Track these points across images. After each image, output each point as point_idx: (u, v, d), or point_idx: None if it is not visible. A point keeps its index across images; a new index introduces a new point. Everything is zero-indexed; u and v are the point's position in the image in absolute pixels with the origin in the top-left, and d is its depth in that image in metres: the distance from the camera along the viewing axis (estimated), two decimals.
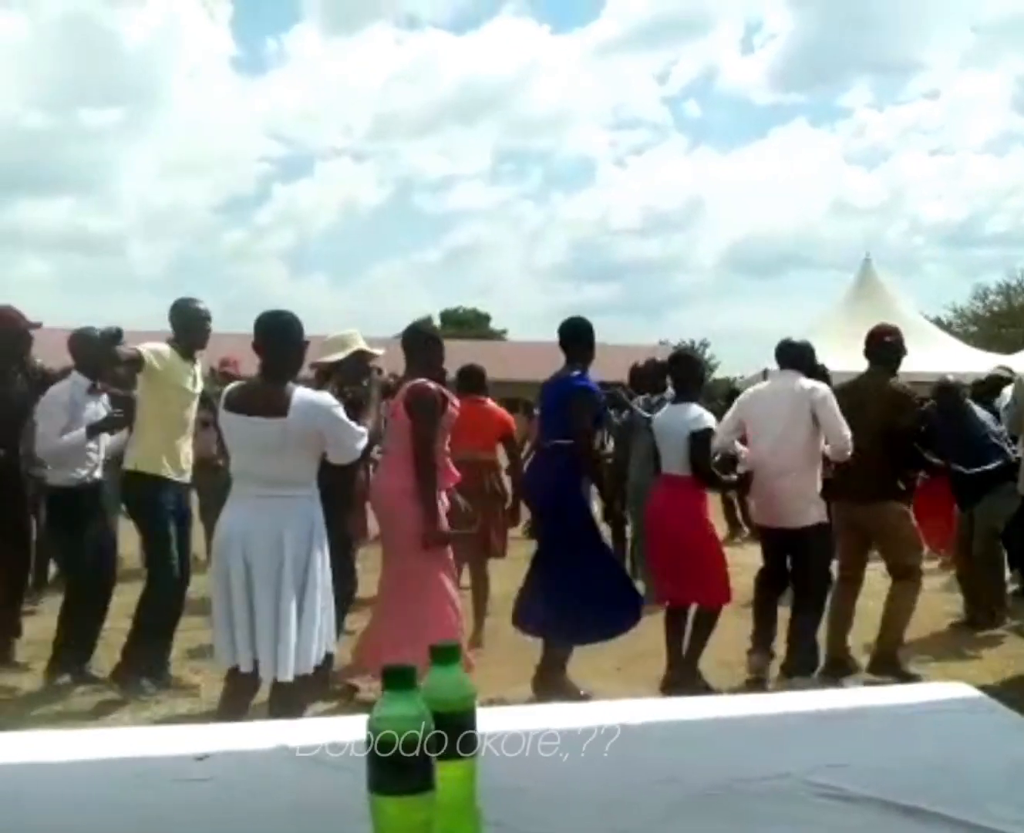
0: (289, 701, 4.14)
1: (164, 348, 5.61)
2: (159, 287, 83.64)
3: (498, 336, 57.35)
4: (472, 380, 7.27)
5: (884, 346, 6.22)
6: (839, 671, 5.91)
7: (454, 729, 1.23)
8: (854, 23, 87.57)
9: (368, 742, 1.15)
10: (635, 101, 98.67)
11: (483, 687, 5.67)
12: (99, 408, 5.85)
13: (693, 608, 5.92)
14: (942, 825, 1.28)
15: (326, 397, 4.28)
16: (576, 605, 5.46)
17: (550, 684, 5.53)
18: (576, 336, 5.75)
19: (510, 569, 8.76)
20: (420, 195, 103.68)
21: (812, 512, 5.74)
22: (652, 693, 5.67)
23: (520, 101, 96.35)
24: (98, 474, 5.96)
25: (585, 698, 5.32)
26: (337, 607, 5.16)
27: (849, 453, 5.65)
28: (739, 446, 6.16)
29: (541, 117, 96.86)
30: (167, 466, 5.61)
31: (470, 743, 1.25)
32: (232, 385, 4.47)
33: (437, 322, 61.70)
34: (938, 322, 33.20)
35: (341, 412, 4.20)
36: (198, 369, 5.87)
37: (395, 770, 1.14)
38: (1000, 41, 79.34)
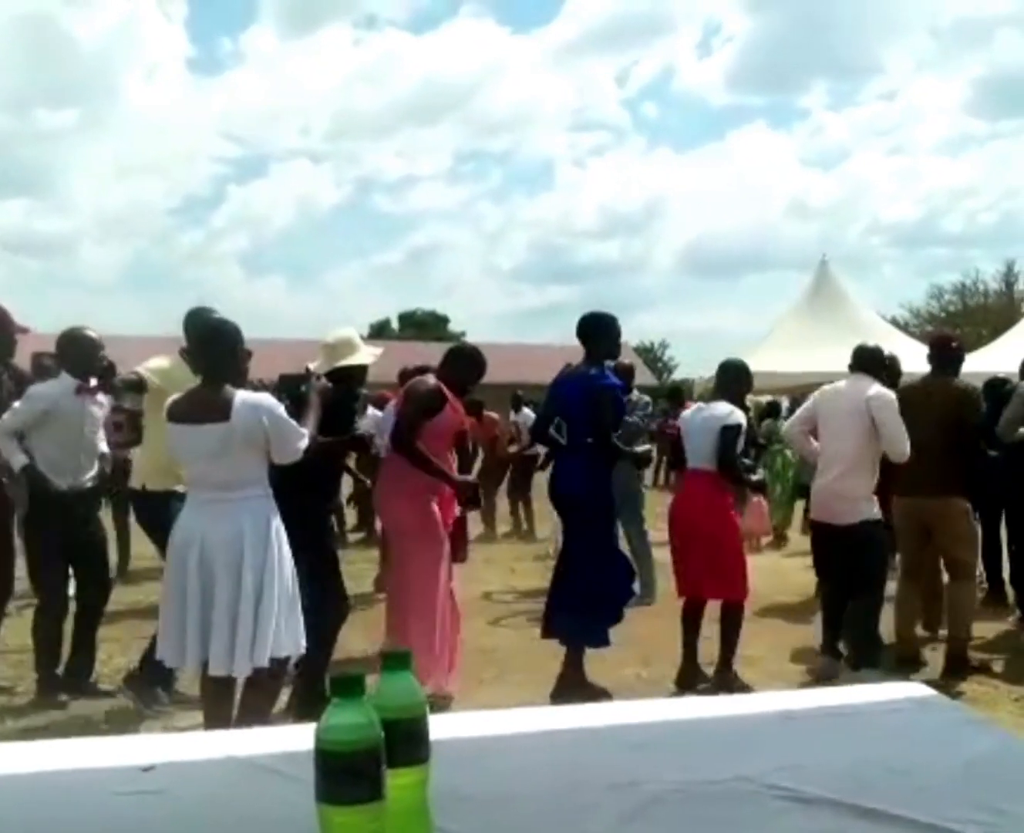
0: (253, 699, 4.28)
1: (164, 364, 5.50)
2: (113, 289, 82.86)
3: (457, 338, 57.32)
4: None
5: (951, 350, 6.62)
6: (909, 667, 6.05)
7: (405, 736, 1.21)
8: (811, 26, 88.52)
9: (316, 752, 1.12)
10: (594, 103, 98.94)
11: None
12: (92, 409, 5.73)
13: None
14: (898, 826, 1.27)
15: (267, 397, 4.32)
16: (593, 604, 5.58)
17: (571, 687, 5.54)
18: (596, 331, 5.78)
19: (469, 572, 8.76)
20: (379, 196, 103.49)
21: (862, 509, 5.88)
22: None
23: (480, 102, 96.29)
24: (89, 481, 5.80)
25: (607, 696, 5.40)
26: (326, 624, 5.19)
27: (906, 458, 5.85)
28: (813, 441, 6.31)
29: (501, 118, 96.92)
30: (175, 480, 5.38)
31: (422, 750, 1.23)
32: (172, 397, 4.49)
33: (395, 325, 61.63)
34: (894, 322, 33.56)
35: (283, 411, 4.26)
36: None
37: (343, 780, 1.12)
38: (956, 45, 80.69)
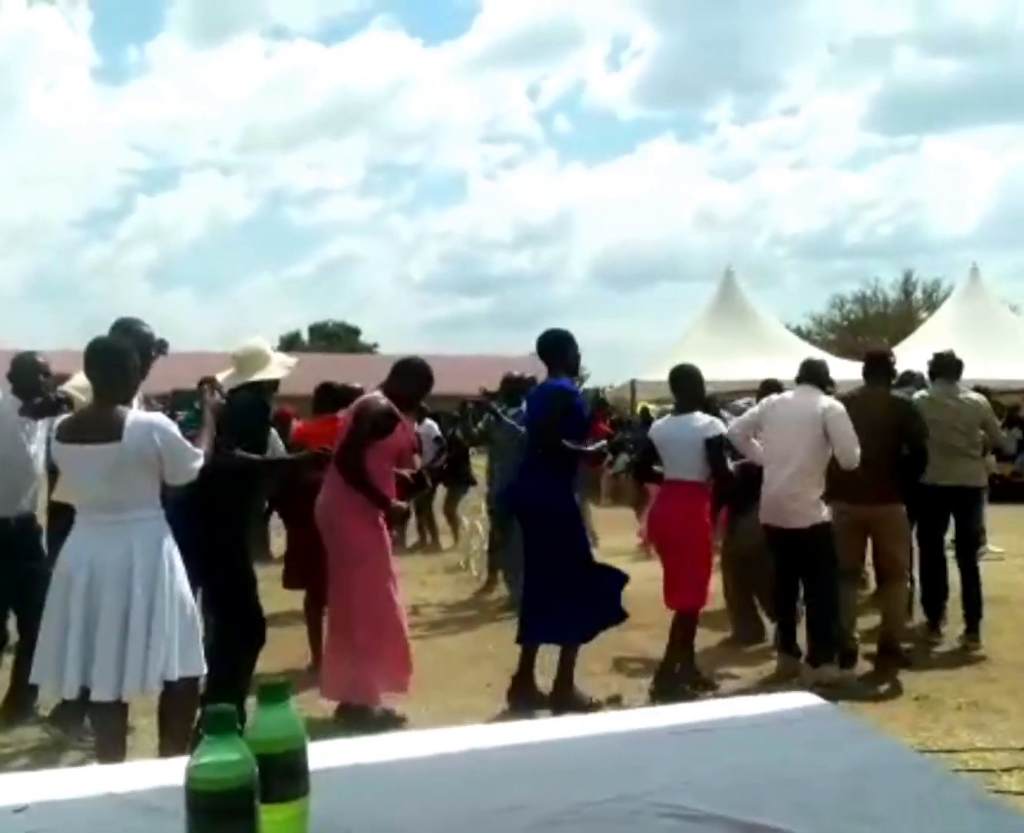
0: (170, 725, 4.29)
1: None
2: (17, 301, 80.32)
3: (369, 350, 56.97)
4: (327, 399, 7.18)
5: (886, 363, 6.96)
6: (849, 661, 6.32)
7: (282, 771, 1.18)
8: (717, 42, 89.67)
9: (186, 791, 1.09)
10: (506, 115, 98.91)
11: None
12: (40, 433, 5.48)
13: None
14: None
15: (160, 417, 4.24)
16: (572, 603, 5.68)
17: (564, 697, 5.68)
18: (554, 347, 5.96)
19: None
20: (290, 208, 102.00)
21: (816, 513, 6.16)
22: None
23: (391, 114, 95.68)
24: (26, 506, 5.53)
25: (596, 706, 5.58)
26: (245, 650, 5.12)
27: (856, 464, 6.08)
28: (756, 444, 6.49)
29: (413, 130, 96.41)
30: None
31: (300, 784, 1.20)
32: (62, 417, 4.38)
33: (306, 337, 60.96)
34: (799, 331, 34.35)
35: (177, 430, 4.18)
36: (136, 398, 5.45)
37: (214, 819, 1.08)
38: (854, 62, 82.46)
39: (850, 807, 1.34)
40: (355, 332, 62.61)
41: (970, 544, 7.50)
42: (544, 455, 5.74)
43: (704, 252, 77.89)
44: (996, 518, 13.27)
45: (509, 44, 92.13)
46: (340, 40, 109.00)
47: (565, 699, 5.66)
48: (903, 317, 41.37)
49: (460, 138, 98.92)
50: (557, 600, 5.69)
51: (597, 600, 5.79)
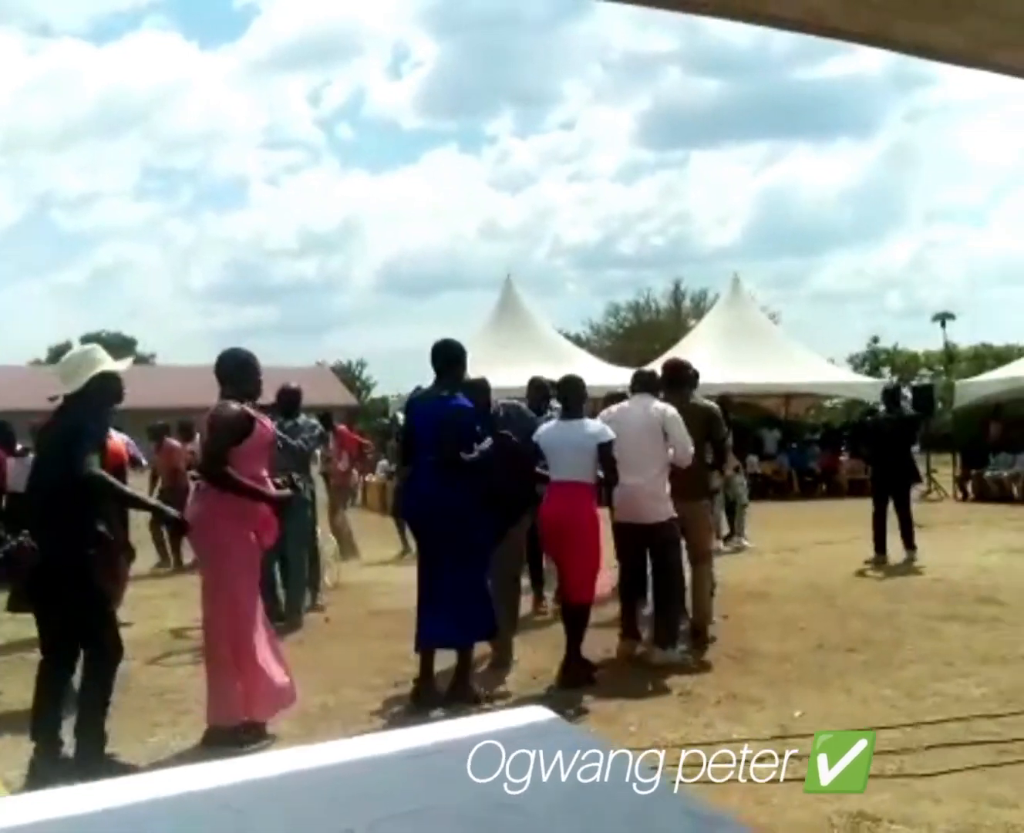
0: None
1: None
2: None
3: (146, 360, 54.75)
4: None
5: (686, 374, 7.77)
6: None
7: None
8: (495, 55, 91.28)
9: None
10: (287, 121, 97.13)
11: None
12: None
13: None
14: None
15: None
16: (478, 603, 6.04)
17: (466, 692, 5.91)
18: (447, 358, 6.20)
19: (153, 607, 8.32)
20: (58, 212, 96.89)
21: (665, 509, 6.83)
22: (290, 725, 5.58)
23: (166, 117, 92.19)
24: None
25: (490, 699, 5.88)
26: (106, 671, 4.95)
27: (690, 463, 6.86)
28: None
29: (189, 134, 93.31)
30: None
31: None
32: None
33: (78, 347, 57.84)
34: (577, 339, 35.33)
35: None
36: None
37: None
38: (624, 79, 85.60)
39: (577, 826, 1.37)
40: (131, 342, 60.00)
41: None
42: (448, 465, 5.93)
43: (487, 261, 79.07)
44: (759, 514, 14.10)
45: (288, 49, 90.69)
46: (111, 40, 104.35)
47: (467, 694, 5.88)
48: (674, 325, 43.24)
49: (239, 142, 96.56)
50: (466, 602, 5.94)
51: (488, 601, 6.12)
